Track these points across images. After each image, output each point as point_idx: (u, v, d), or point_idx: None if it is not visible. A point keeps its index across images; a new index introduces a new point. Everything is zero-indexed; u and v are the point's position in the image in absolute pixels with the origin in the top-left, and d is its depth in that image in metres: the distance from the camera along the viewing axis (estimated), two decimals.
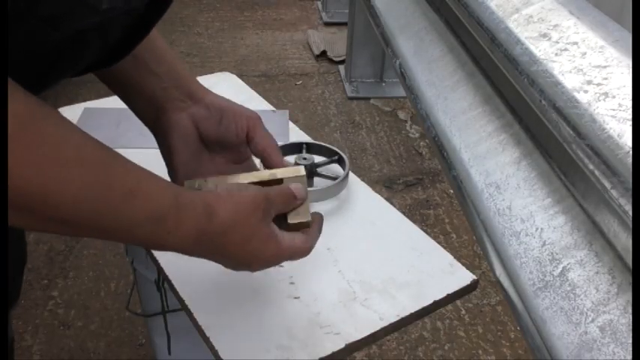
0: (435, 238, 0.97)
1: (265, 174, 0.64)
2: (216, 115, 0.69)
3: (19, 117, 0.42)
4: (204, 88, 0.70)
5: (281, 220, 0.61)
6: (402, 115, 2.58)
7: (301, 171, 0.63)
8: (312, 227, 0.63)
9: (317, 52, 3.02)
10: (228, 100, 0.70)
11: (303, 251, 0.62)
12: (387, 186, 2.14)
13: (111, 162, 0.50)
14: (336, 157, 0.92)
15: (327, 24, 3.38)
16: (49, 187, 0.44)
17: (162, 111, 0.69)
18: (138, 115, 0.71)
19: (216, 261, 0.60)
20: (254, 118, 0.69)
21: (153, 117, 0.69)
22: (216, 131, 0.69)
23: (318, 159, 0.92)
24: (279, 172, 0.64)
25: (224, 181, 0.62)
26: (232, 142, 0.70)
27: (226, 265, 0.60)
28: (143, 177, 0.52)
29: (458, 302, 1.62)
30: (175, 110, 0.69)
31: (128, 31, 0.61)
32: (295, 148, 0.94)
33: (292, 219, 0.61)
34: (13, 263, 0.77)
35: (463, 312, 1.67)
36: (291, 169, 0.65)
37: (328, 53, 3.01)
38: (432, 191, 2.13)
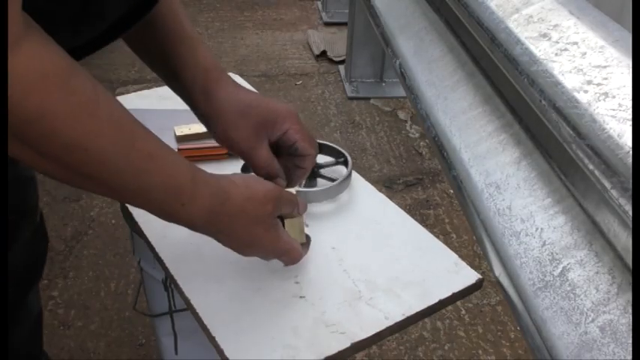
0: None
1: None
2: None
3: (59, 72, 0.45)
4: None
5: None
6: (402, 115, 2.58)
7: (294, 192, 0.70)
8: (304, 244, 0.70)
9: (317, 52, 3.02)
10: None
11: (296, 253, 0.67)
12: (387, 186, 2.14)
13: (136, 124, 0.52)
14: (342, 160, 0.92)
15: (327, 24, 3.38)
16: (82, 137, 0.46)
17: (209, 91, 0.69)
18: (186, 100, 0.73)
19: (217, 239, 0.62)
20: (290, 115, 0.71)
21: (202, 100, 0.70)
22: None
23: (322, 159, 0.92)
24: None
25: None
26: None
27: (224, 243, 0.63)
28: (163, 145, 0.55)
29: (458, 302, 1.62)
30: (223, 88, 0.69)
31: None
32: None
33: (295, 235, 0.68)
34: (37, 243, 0.80)
35: (463, 312, 1.67)
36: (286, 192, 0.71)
37: (328, 53, 3.01)
38: (432, 191, 2.13)
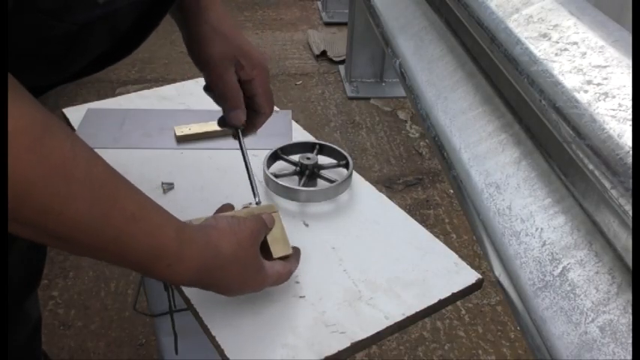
0: None
1: (242, 212, 0.69)
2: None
3: (32, 130, 0.42)
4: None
5: (266, 254, 0.67)
6: (402, 115, 2.58)
7: (274, 207, 0.71)
8: (291, 256, 0.69)
9: (317, 52, 3.02)
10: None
11: (283, 276, 0.67)
12: (387, 186, 2.14)
13: (119, 182, 0.50)
14: (344, 162, 0.92)
15: (327, 24, 3.38)
16: (55, 201, 0.44)
17: (201, 8, 0.73)
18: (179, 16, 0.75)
19: (207, 289, 0.61)
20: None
21: (192, 13, 0.73)
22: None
23: (324, 160, 0.92)
24: (255, 210, 0.72)
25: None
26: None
27: (216, 291, 0.62)
28: (147, 204, 0.52)
29: (458, 302, 1.62)
30: (214, 11, 0.73)
31: (138, 21, 0.62)
32: (307, 147, 0.95)
33: (276, 253, 0.68)
34: (35, 253, 0.79)
35: (463, 312, 1.67)
36: (266, 206, 0.72)
37: (328, 53, 3.01)
38: (432, 191, 2.13)
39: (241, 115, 0.75)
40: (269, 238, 0.67)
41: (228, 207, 0.70)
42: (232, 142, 0.86)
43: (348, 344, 0.66)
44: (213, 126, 0.98)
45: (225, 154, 0.96)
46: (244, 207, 0.73)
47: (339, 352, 0.66)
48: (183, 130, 1.00)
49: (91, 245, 0.48)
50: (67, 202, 0.44)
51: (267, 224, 0.67)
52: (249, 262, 0.62)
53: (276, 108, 0.95)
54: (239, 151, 0.81)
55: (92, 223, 0.47)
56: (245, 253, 0.61)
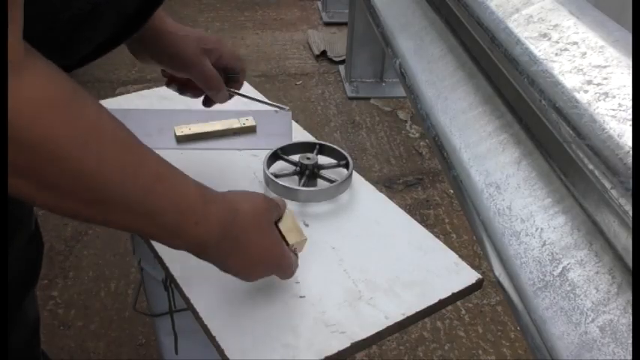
0: None
1: None
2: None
3: (62, 96, 0.44)
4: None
5: None
6: (402, 115, 2.58)
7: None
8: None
9: (317, 52, 3.02)
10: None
11: (293, 268, 0.67)
12: (387, 186, 2.14)
13: (142, 146, 0.52)
14: (344, 162, 0.92)
15: (327, 24, 3.38)
16: (87, 164, 0.45)
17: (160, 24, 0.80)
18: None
19: (226, 263, 0.61)
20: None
21: (151, 30, 0.78)
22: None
23: (324, 160, 0.92)
24: None
25: None
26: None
27: (232, 265, 0.62)
28: (169, 164, 0.54)
29: (458, 302, 1.63)
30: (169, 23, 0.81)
31: (142, 2, 0.63)
32: (307, 147, 0.95)
33: (292, 240, 0.67)
34: (32, 250, 0.80)
35: (463, 312, 1.67)
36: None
37: (328, 53, 3.01)
38: (432, 191, 2.13)
39: (226, 94, 0.86)
40: (282, 228, 0.67)
41: None
42: (233, 142, 0.86)
43: (348, 344, 0.66)
44: (214, 126, 0.98)
45: (226, 154, 0.96)
46: None
47: (339, 352, 0.66)
48: (183, 130, 1.00)
49: (120, 209, 0.49)
50: (99, 163, 0.46)
51: (279, 204, 0.68)
52: (267, 231, 0.63)
53: (276, 108, 0.96)
54: (239, 152, 0.81)
55: (122, 183, 0.48)
56: (261, 218, 0.62)
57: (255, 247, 0.61)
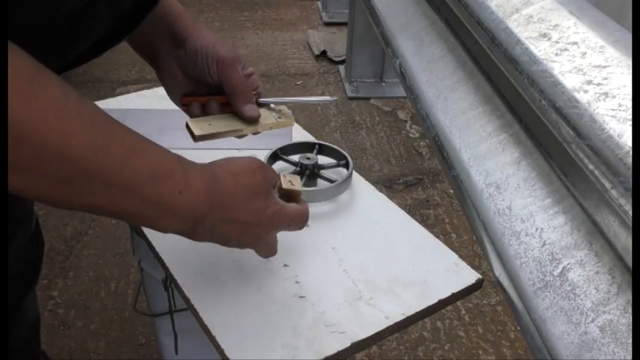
0: None
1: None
2: (192, 57, 0.72)
3: (24, 72, 0.43)
4: (191, 26, 0.73)
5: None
6: (402, 115, 2.58)
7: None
8: (301, 202, 0.67)
9: (317, 52, 3.02)
10: (209, 39, 0.72)
11: (300, 214, 0.65)
12: (387, 186, 2.14)
13: (112, 122, 0.50)
14: (344, 162, 0.92)
15: (327, 24, 3.38)
16: (51, 140, 0.44)
17: (156, 55, 0.74)
18: (140, 55, 0.76)
19: (224, 231, 0.59)
20: (227, 59, 0.71)
21: (152, 58, 0.75)
22: (194, 73, 0.73)
23: (324, 160, 0.92)
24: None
25: None
26: (211, 83, 0.73)
27: (230, 235, 0.60)
28: (142, 138, 0.53)
29: (458, 302, 1.63)
30: (165, 54, 0.74)
31: (139, 1, 0.63)
32: (307, 147, 0.94)
33: (286, 185, 0.66)
34: (33, 250, 0.79)
35: (463, 312, 1.67)
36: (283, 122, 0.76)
37: (328, 53, 3.01)
38: (432, 191, 2.13)
39: (256, 108, 0.75)
40: (284, 186, 0.66)
41: None
42: (232, 142, 0.85)
43: (348, 344, 0.66)
44: (234, 124, 0.85)
45: (225, 154, 0.96)
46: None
47: (339, 352, 0.66)
48: (203, 127, 0.78)
49: (96, 187, 0.48)
50: (63, 139, 0.44)
51: (272, 174, 0.65)
52: (255, 189, 0.60)
53: (322, 101, 0.94)
54: (239, 151, 0.80)
55: (94, 160, 0.47)
56: (246, 179, 0.59)
57: (246, 209, 0.59)
